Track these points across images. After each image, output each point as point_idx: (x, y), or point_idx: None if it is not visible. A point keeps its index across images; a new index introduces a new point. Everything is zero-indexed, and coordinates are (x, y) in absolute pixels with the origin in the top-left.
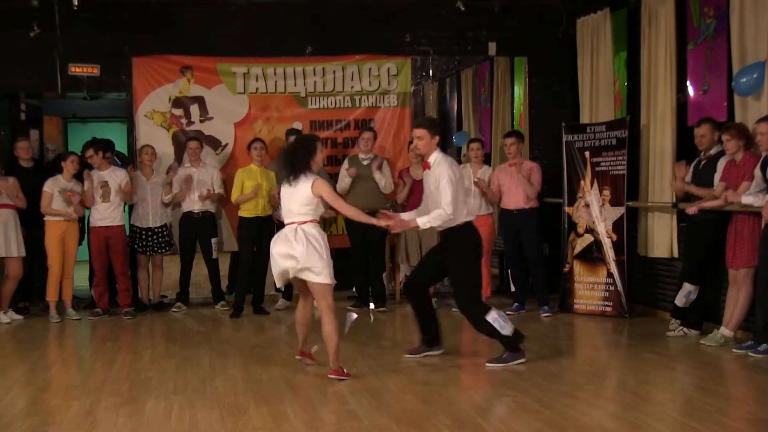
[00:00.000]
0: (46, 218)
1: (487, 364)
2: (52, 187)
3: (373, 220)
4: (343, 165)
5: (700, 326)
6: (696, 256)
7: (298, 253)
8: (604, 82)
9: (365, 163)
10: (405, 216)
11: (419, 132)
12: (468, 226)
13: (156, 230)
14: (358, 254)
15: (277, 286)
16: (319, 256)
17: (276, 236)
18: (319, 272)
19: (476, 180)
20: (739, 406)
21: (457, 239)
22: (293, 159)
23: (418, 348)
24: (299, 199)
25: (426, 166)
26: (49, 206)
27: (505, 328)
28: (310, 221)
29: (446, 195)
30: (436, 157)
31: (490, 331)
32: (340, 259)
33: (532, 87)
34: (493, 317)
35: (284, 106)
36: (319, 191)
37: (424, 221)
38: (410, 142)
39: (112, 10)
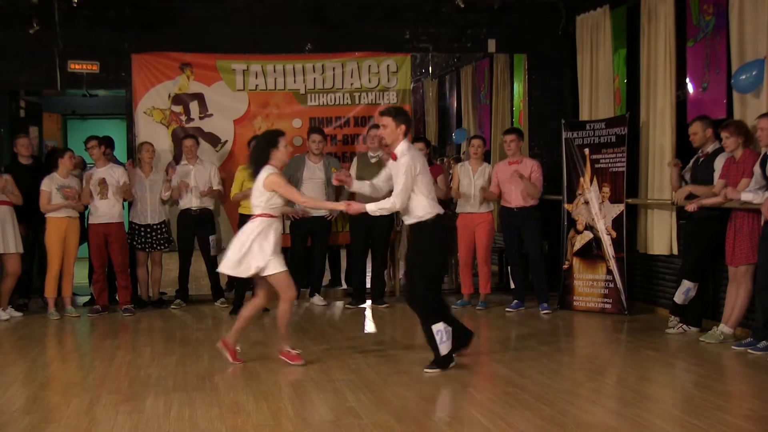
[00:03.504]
0: (48, 215)
1: (426, 371)
2: (49, 185)
3: (330, 205)
4: (352, 164)
5: (700, 323)
6: (695, 253)
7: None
8: (604, 79)
9: (373, 161)
10: (356, 204)
11: (384, 120)
12: (433, 221)
13: (155, 227)
14: (360, 251)
15: (247, 275)
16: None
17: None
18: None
19: (482, 189)
20: (738, 403)
21: (420, 234)
22: (255, 153)
23: None
24: (255, 192)
25: (393, 156)
26: (49, 204)
27: (443, 348)
28: (259, 215)
29: (398, 185)
30: (402, 148)
31: (430, 339)
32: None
33: (532, 84)
34: (438, 329)
35: (284, 103)
36: (271, 186)
37: (372, 208)
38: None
39: (111, 7)
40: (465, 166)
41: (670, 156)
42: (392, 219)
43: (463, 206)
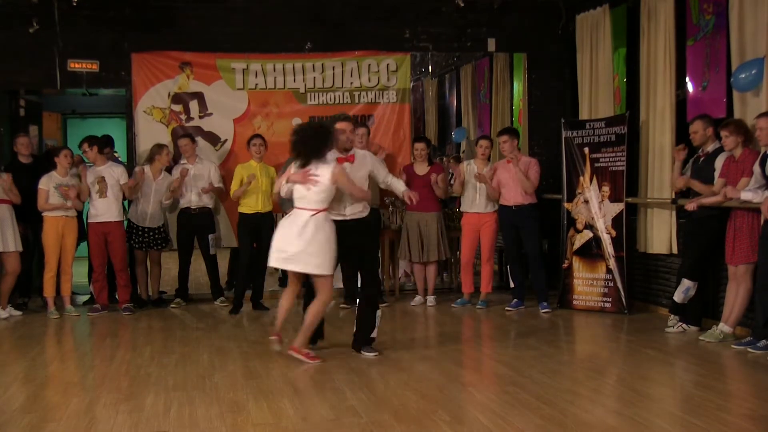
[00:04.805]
0: (45, 214)
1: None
2: (47, 184)
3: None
4: None
5: (699, 322)
6: (695, 252)
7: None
8: (604, 78)
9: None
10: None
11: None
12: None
13: (153, 229)
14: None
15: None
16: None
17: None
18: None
19: (477, 174)
20: (738, 402)
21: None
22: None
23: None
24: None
25: (351, 158)
26: (46, 203)
27: (375, 331)
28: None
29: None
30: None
31: (372, 323)
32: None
33: (532, 83)
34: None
35: (283, 102)
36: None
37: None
38: (414, 141)
39: (111, 6)
40: (471, 165)
41: (669, 155)
42: (379, 219)
43: (468, 206)
